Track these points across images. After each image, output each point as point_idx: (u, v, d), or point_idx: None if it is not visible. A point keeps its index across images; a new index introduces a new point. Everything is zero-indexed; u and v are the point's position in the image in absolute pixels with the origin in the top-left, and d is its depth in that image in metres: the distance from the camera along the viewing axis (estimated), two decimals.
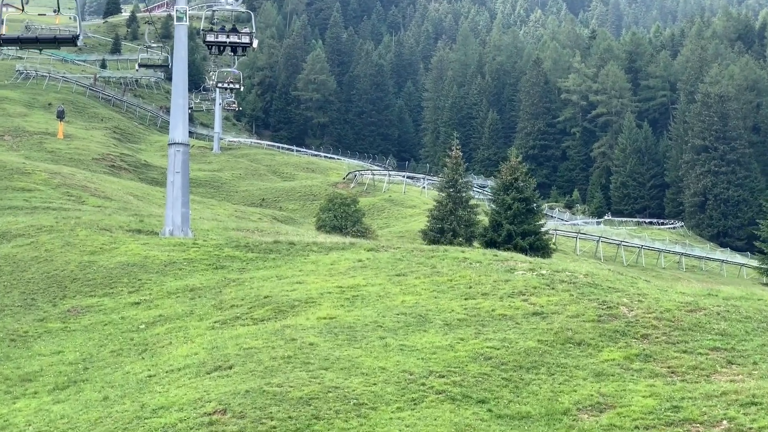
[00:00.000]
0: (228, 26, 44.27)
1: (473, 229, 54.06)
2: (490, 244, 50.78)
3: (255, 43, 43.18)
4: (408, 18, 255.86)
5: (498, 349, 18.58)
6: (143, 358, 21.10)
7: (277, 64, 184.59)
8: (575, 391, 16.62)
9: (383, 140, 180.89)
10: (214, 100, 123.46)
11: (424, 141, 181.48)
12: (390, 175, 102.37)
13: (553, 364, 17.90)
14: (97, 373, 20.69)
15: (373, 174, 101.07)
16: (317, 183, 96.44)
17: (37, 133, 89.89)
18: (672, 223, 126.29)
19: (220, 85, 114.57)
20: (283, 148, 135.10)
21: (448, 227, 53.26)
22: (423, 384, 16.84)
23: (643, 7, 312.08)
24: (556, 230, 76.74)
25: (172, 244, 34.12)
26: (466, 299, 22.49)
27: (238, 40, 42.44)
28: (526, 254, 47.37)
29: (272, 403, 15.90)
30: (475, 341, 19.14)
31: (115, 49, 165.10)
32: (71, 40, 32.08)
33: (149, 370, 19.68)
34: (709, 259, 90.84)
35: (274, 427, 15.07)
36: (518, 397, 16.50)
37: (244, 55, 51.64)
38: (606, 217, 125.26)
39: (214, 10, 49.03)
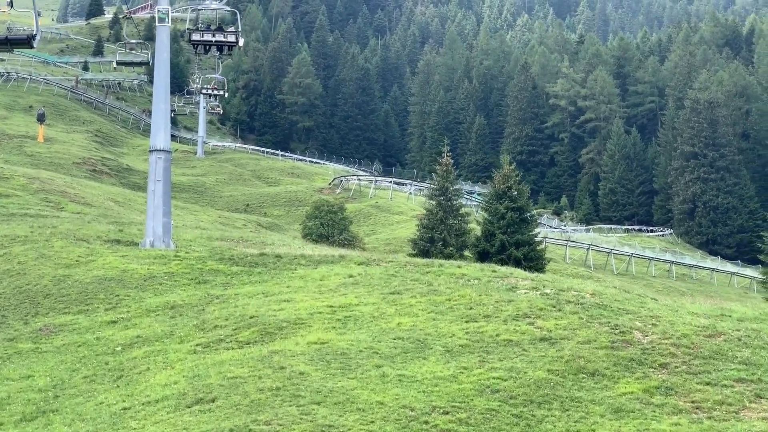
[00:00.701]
0: (213, 26, 42.90)
1: (464, 238, 52.57)
2: (482, 254, 49.35)
3: (241, 42, 41.95)
4: (394, 22, 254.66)
5: (505, 380, 17.02)
6: (118, 386, 19.42)
7: (262, 67, 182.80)
8: (593, 431, 15.09)
9: (369, 145, 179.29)
10: (198, 103, 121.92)
11: (410, 146, 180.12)
12: (376, 181, 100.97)
13: (567, 397, 16.34)
14: (67, 403, 19.00)
15: (359, 179, 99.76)
16: (302, 188, 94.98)
17: (17, 136, 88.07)
18: (661, 231, 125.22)
19: (204, 91, 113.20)
20: (267, 152, 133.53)
21: (438, 236, 51.72)
22: (426, 422, 15.25)
23: (629, 13, 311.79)
24: (546, 238, 75.35)
25: (153, 256, 32.47)
26: (467, 322, 20.93)
27: (223, 39, 41.29)
28: (520, 265, 46.06)
29: None
30: (479, 371, 17.58)
31: (98, 51, 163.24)
32: (25, 41, 27.88)
33: (124, 401, 18.01)
34: (699, 267, 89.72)
35: None
36: None
37: (230, 55, 50.42)
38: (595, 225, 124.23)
39: (199, 10, 47.37)
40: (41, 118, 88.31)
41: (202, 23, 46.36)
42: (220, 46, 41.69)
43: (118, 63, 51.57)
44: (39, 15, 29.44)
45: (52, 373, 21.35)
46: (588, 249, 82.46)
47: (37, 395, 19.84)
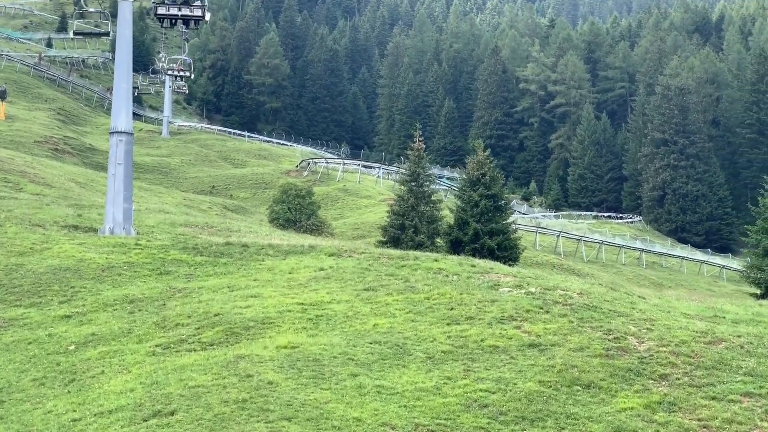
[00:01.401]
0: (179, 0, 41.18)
1: (436, 226, 51.10)
2: (455, 243, 48.00)
3: (207, 16, 40.27)
4: (363, 3, 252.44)
5: (494, 393, 15.56)
6: (69, 392, 17.73)
7: (230, 47, 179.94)
8: None
9: (337, 127, 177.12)
10: (164, 82, 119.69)
11: (379, 128, 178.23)
12: (344, 164, 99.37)
13: (562, 414, 14.89)
14: (14, 410, 17.30)
15: (327, 162, 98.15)
16: (269, 171, 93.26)
17: None
18: (630, 218, 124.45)
19: (170, 72, 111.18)
20: (234, 133, 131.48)
21: (409, 223, 50.16)
22: None
23: None
24: (515, 224, 74.18)
25: (112, 244, 30.71)
26: (448, 324, 19.45)
27: (190, 13, 39.60)
28: (494, 254, 44.73)
29: None
30: (465, 381, 16.11)
31: (62, 27, 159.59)
32: None
33: (75, 410, 16.33)
34: (669, 255, 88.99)
35: None
36: None
37: (197, 29, 48.80)
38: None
39: None
40: (2, 95, 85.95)
41: None
42: (186, 20, 39.99)
43: (75, 33, 49.38)
44: None
45: None
46: (558, 236, 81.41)
47: None
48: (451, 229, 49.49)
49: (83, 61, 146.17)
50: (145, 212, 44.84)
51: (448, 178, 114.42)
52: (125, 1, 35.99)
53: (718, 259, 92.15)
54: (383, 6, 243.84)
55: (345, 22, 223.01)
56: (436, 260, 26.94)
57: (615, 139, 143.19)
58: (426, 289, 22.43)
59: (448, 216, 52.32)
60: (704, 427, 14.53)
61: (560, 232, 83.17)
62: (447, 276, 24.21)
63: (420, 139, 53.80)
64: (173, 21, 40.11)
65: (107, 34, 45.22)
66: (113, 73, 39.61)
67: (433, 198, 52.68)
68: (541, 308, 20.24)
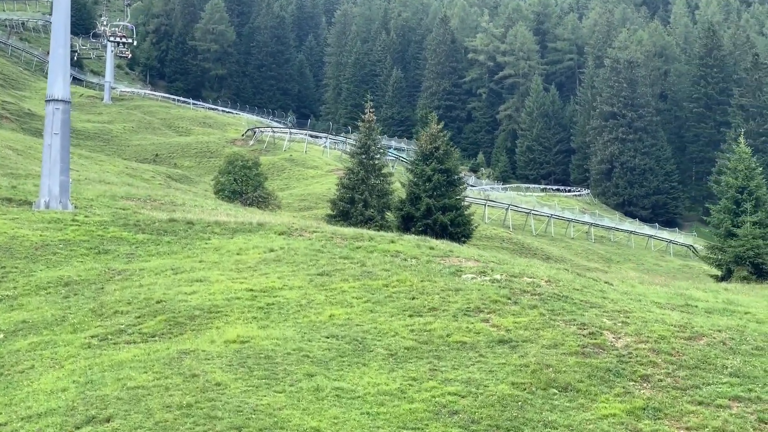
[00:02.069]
0: None
1: (387, 199, 49.67)
2: (407, 218, 46.71)
3: None
4: None
5: (464, 398, 14.16)
6: None
7: (174, 11, 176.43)
8: None
9: (283, 95, 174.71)
10: (105, 47, 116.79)
11: (326, 97, 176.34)
12: (291, 133, 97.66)
13: (539, 422, 13.52)
14: None
15: (273, 131, 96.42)
16: (214, 139, 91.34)
17: None
18: (578, 191, 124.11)
19: (111, 39, 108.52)
20: (178, 100, 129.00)
21: (359, 197, 48.72)
22: None
23: None
24: (465, 197, 73.17)
25: (47, 220, 28.87)
26: (410, 316, 18.05)
27: None
28: (446, 231, 43.48)
29: None
30: (431, 383, 14.69)
31: None
32: None
33: (1, 412, 14.69)
34: (617, 230, 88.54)
35: None
36: None
37: None
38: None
39: None
40: None
41: None
42: None
43: None
44: None
45: None
46: (507, 209, 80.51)
47: None
48: (402, 203, 48.11)
49: (23, 23, 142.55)
50: (84, 182, 42.97)
51: (396, 149, 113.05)
52: None
53: (665, 234, 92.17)
54: None
55: None
56: (392, 241, 25.56)
57: (563, 111, 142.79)
58: (384, 275, 21.03)
59: (398, 189, 50.95)
60: None
61: (509, 205, 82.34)
62: (405, 260, 22.84)
63: (371, 110, 52.24)
64: None
65: None
66: None
67: (383, 171, 51.26)
68: (509, 299, 18.94)
